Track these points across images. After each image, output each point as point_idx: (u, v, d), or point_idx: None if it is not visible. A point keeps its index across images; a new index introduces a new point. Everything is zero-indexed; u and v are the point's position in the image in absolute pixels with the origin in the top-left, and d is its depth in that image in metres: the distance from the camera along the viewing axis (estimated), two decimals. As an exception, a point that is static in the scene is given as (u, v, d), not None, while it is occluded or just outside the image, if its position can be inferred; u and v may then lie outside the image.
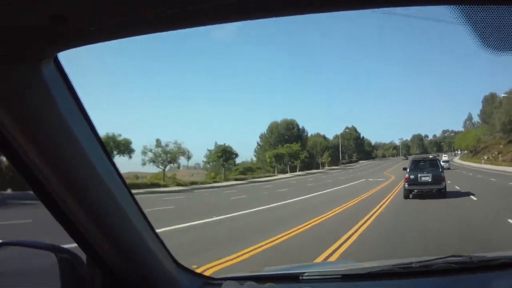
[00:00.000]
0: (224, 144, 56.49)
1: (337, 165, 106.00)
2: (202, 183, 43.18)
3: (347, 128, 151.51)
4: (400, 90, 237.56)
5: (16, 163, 0.90)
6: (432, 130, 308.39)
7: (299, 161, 73.98)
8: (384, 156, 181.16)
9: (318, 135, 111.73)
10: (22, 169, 0.91)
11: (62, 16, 0.68)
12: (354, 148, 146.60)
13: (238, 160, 75.78)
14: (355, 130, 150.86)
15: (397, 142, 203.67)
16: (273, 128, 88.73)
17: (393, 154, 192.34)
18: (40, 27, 0.69)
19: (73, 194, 0.94)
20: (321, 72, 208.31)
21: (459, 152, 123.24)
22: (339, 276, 1.44)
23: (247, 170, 68.25)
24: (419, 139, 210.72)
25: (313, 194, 25.06)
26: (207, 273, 1.85)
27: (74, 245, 1.10)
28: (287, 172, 70.32)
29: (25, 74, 0.77)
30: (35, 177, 0.92)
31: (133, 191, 1.17)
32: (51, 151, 0.86)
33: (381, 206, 16.94)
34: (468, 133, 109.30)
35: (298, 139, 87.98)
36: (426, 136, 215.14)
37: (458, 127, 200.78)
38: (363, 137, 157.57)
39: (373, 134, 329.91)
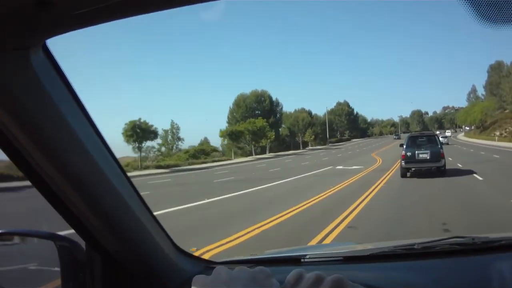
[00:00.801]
0: (139, 119, 39.16)
1: (324, 144, 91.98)
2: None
3: (338, 103, 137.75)
4: (397, 65, 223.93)
5: (9, 153, 0.89)
6: (432, 106, 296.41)
7: (268, 140, 59.50)
8: (381, 134, 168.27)
9: (302, 110, 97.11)
10: (15, 158, 0.90)
11: (48, 1, 0.67)
12: (346, 125, 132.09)
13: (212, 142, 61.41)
14: (348, 105, 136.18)
15: (396, 119, 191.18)
16: (240, 101, 74.01)
17: (391, 131, 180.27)
18: (25, 12, 0.68)
19: (68, 180, 0.93)
20: (311, 47, 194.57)
21: (466, 128, 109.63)
22: (341, 258, 1.45)
23: (200, 153, 53.94)
24: (419, 116, 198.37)
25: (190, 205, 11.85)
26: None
27: (73, 232, 1.11)
28: (251, 155, 56.23)
29: (12, 63, 0.75)
30: (29, 165, 0.91)
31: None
32: (44, 140, 0.85)
33: None
34: (474, 106, 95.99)
35: (270, 114, 73.78)
36: (426, 113, 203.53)
37: (459, 103, 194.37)
38: (357, 113, 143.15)
39: (369, 110, 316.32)
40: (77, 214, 1.01)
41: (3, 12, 0.67)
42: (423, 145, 17.47)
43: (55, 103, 0.83)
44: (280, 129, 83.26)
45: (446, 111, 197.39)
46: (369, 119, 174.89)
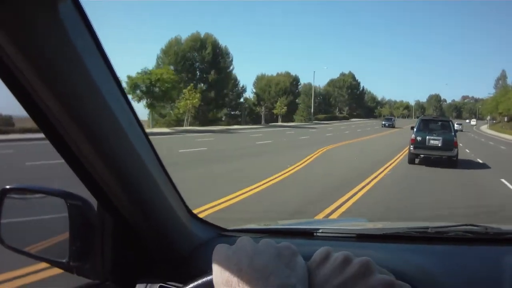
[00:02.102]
0: None
1: (308, 121, 70.44)
2: None
3: (342, 74, 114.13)
4: (418, 46, 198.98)
5: (29, 107, 0.87)
6: (450, 95, 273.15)
7: (189, 105, 38.38)
8: (392, 116, 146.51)
9: (285, 74, 75.12)
10: (34, 112, 0.88)
11: None
12: (347, 101, 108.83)
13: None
14: (353, 77, 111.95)
15: (411, 102, 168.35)
16: (171, 48, 51.22)
17: (403, 114, 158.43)
18: None
19: (89, 138, 0.91)
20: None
21: (492, 120, 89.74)
22: (354, 235, 1.43)
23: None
24: (436, 101, 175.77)
25: None
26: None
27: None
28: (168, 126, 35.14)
29: (41, 10, 0.73)
30: (48, 121, 0.89)
31: None
32: (67, 93, 0.84)
33: None
34: (508, 92, 75.89)
35: (212, 67, 51.80)
36: (444, 100, 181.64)
37: (480, 94, 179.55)
38: (363, 89, 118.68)
39: (381, 89, 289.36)
40: (91, 172, 0.98)
41: None
42: (435, 131, 16.27)
43: (82, 57, 0.81)
44: (243, 95, 61.87)
45: (466, 100, 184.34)
46: (379, 98, 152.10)
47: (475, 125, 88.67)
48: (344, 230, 1.49)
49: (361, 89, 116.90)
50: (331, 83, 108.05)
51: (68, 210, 1.07)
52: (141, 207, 1.08)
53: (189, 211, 1.29)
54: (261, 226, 1.64)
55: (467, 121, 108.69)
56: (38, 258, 1.14)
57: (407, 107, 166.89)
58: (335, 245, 0.80)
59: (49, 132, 0.90)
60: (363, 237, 1.41)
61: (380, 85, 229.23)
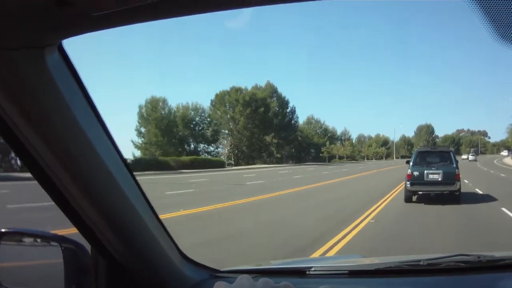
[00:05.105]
0: None
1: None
2: None
3: (256, 87, 66.52)
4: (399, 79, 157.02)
5: (19, 151, 0.89)
6: (442, 129, 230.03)
7: None
8: (355, 158, 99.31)
9: None
10: (24, 157, 0.90)
11: (68, 1, 0.67)
12: (246, 130, 60.82)
13: None
14: (273, 91, 65.72)
15: (395, 138, 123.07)
16: None
17: (379, 153, 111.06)
18: (45, 11, 0.68)
19: (77, 182, 0.94)
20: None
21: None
22: (346, 271, 1.46)
23: None
24: (427, 133, 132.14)
25: None
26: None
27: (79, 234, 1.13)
28: None
29: (28, 61, 0.75)
30: (38, 165, 0.91)
31: None
32: (54, 139, 0.86)
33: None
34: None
35: None
36: (436, 136, 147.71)
37: (475, 126, 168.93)
38: (293, 111, 70.77)
39: (348, 122, 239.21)
40: (84, 217, 1.01)
41: (22, 10, 0.66)
42: (434, 163, 14.92)
43: (68, 103, 0.83)
44: None
45: (461, 134, 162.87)
46: (339, 131, 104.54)
47: (507, 156, 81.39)
48: (336, 267, 1.51)
49: (287, 110, 69.36)
50: (216, 99, 60.55)
51: (62, 253, 1.09)
52: (133, 251, 1.10)
53: (181, 253, 1.31)
54: (254, 266, 1.64)
55: (502, 153, 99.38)
56: None
57: (385, 143, 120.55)
58: (328, 283, 0.81)
59: (41, 177, 0.92)
60: (355, 273, 1.43)
61: (347, 117, 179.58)
